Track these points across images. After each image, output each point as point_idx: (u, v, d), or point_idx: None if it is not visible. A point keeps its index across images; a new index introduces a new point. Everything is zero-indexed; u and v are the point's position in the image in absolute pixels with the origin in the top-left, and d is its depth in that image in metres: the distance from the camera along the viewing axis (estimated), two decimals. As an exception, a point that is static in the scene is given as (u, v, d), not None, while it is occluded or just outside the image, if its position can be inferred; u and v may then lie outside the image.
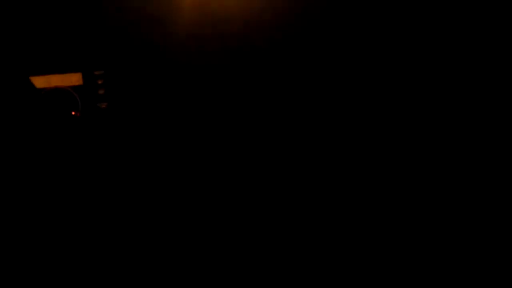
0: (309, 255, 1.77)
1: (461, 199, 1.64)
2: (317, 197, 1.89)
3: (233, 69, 1.83)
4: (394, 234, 1.72)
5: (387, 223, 1.75)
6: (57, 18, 1.84)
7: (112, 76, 1.92)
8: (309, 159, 1.85)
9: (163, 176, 1.93)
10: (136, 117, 1.91)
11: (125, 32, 1.92)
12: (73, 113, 1.83)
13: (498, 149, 1.61)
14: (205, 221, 1.90)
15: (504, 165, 1.65)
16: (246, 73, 1.85)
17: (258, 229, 1.86)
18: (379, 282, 1.74)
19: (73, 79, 1.92)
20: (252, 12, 1.60)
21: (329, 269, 1.73)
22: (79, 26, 1.86)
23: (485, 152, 1.65)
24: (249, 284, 1.80)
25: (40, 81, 1.77)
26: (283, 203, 1.91)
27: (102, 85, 1.91)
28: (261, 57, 1.75)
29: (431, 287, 1.60)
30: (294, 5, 1.51)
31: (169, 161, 1.94)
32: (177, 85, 1.90)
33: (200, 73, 1.88)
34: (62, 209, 1.76)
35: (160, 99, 1.94)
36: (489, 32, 1.34)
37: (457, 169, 1.68)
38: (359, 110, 1.67)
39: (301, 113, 1.78)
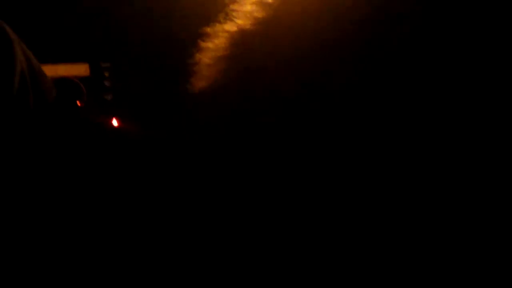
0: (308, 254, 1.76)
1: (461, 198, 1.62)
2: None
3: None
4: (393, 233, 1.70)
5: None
6: (67, 9, 1.87)
7: (118, 68, 1.94)
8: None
9: (167, 170, 1.93)
10: (141, 109, 1.92)
11: (132, 26, 1.93)
12: (78, 103, 1.85)
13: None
14: (207, 221, 1.89)
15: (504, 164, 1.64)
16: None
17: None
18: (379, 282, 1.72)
19: (80, 69, 1.94)
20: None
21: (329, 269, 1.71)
22: (88, 18, 1.88)
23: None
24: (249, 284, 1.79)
25: (47, 70, 1.78)
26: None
27: (109, 77, 1.93)
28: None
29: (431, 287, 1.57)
30: None
31: (172, 154, 1.94)
32: (183, 79, 1.91)
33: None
34: (64, 200, 1.76)
35: (166, 93, 1.95)
36: None
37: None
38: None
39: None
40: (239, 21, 0.63)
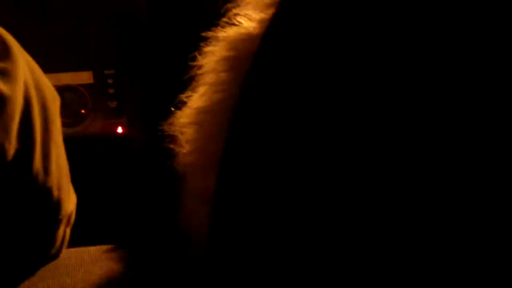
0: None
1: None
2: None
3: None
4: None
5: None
6: (69, 16, 1.87)
7: (122, 76, 1.94)
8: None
9: (171, 177, 1.93)
10: (145, 116, 1.92)
11: (137, 32, 1.94)
12: (82, 111, 1.85)
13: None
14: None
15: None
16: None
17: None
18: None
19: (84, 77, 1.94)
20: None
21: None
22: (91, 24, 1.88)
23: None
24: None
25: (50, 79, 1.77)
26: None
27: (113, 84, 1.93)
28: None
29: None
30: None
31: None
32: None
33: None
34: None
35: (170, 101, 1.95)
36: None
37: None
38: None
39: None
40: (241, 25, 0.63)
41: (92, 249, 0.87)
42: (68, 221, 0.86)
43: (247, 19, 0.62)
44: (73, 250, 0.87)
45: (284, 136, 0.55)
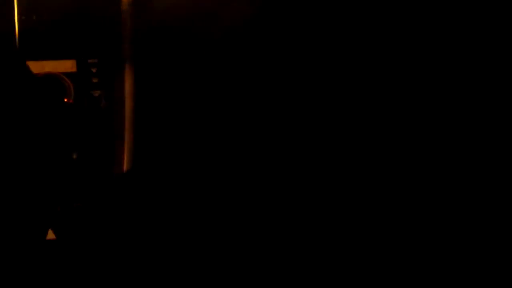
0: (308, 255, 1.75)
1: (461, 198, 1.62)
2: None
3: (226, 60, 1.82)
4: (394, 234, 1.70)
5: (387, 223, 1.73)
6: (54, 4, 1.84)
7: (106, 65, 1.92)
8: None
9: (153, 167, 1.92)
10: (129, 106, 1.90)
11: (121, 21, 1.92)
12: (65, 99, 1.82)
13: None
14: (205, 220, 1.88)
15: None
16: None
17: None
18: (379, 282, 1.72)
19: (67, 66, 1.91)
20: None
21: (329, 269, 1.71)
22: (75, 13, 1.86)
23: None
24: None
25: (33, 67, 1.75)
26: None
27: (96, 73, 1.91)
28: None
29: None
30: None
31: (160, 151, 1.92)
32: (171, 76, 1.90)
33: (191, 64, 1.87)
34: (50, 198, 1.73)
35: (153, 90, 1.94)
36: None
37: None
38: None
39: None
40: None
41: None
42: None
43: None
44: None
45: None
